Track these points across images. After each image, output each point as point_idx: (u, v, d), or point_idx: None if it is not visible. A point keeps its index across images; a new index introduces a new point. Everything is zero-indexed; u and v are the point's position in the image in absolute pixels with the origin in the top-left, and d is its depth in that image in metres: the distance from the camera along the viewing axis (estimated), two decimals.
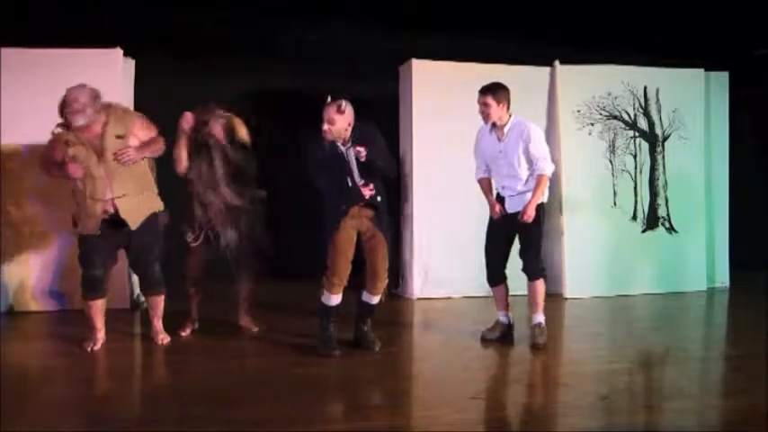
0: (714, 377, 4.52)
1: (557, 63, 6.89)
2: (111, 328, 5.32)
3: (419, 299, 6.72)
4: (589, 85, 6.95)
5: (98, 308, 4.85)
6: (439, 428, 3.46)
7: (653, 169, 7.15)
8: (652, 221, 7.14)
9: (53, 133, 4.73)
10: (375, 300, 4.83)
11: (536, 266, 5.03)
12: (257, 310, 5.53)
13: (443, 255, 6.74)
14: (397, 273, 6.84)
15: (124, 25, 6.56)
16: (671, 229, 7.17)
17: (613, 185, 7.02)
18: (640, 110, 7.12)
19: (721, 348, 5.31)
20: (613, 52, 7.00)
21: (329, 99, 4.62)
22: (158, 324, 5.06)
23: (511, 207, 4.98)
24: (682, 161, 7.16)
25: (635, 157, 7.10)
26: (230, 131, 5.12)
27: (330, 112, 4.55)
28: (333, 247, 4.63)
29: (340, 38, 7.21)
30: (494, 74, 6.70)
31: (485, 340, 5.09)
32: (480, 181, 5.20)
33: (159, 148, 4.95)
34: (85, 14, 6.55)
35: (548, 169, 4.92)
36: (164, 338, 5.01)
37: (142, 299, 6.23)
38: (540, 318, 5.05)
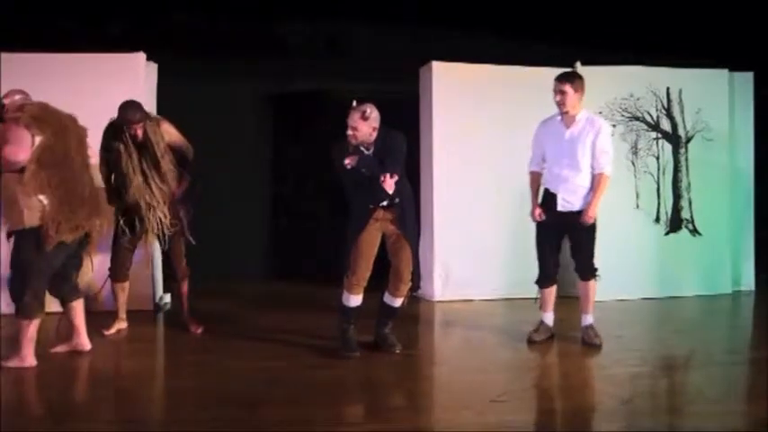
0: (738, 381, 4.45)
1: (578, 64, 6.82)
2: (133, 330, 5.39)
3: (439, 301, 6.70)
4: (611, 86, 6.88)
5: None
6: (459, 431, 3.44)
7: (676, 171, 7.08)
8: (675, 224, 7.07)
9: None
10: (397, 302, 4.82)
11: (590, 267, 5.05)
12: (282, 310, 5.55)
13: (464, 257, 6.72)
14: (418, 275, 6.83)
15: (145, 29, 6.64)
16: (695, 232, 7.09)
17: (636, 187, 6.95)
18: (663, 111, 7.05)
19: (745, 352, 5.24)
20: (635, 53, 6.95)
21: (354, 103, 4.61)
22: (18, 351, 4.36)
23: (563, 206, 4.97)
24: (705, 162, 7.07)
25: (658, 158, 7.03)
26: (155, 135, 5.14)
27: (354, 117, 4.54)
28: (355, 248, 4.64)
29: (361, 39, 7.23)
30: (514, 75, 6.75)
31: (531, 342, 5.08)
32: (532, 174, 5.21)
33: (2, 163, 4.28)
34: (107, 19, 6.64)
35: (608, 168, 4.94)
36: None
37: (165, 301, 6.30)
38: (591, 319, 5.07)
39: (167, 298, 6.30)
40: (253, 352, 4.88)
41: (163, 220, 5.16)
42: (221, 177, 7.47)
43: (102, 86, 5.90)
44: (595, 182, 4.93)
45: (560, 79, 4.98)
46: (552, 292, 5.17)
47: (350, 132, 4.54)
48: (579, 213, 4.94)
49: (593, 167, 4.95)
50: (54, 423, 3.55)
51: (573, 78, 4.98)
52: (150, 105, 6.28)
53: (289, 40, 7.25)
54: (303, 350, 4.88)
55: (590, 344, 5.00)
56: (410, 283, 4.79)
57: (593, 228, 5.00)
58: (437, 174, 6.73)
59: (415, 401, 4.05)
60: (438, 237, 6.74)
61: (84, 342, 4.69)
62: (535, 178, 5.19)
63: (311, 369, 4.44)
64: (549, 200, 5.05)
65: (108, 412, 3.78)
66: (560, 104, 4.97)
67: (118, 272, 5.32)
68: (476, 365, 4.62)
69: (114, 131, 5.11)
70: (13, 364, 4.35)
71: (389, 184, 4.49)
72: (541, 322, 5.17)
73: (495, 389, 4.04)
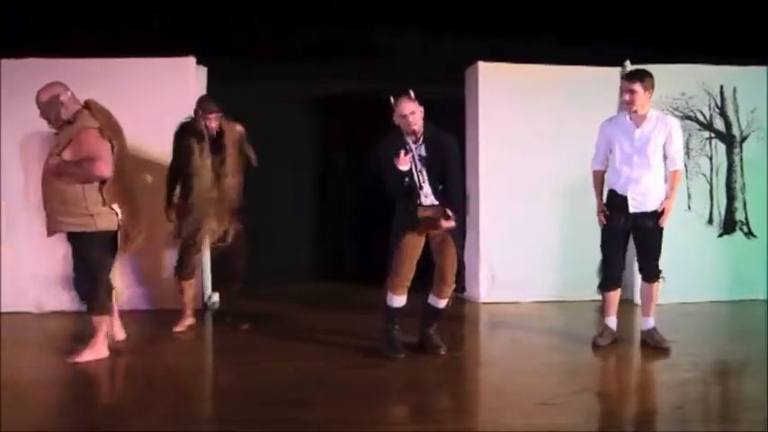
0: None
1: (627, 63, 6.71)
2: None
3: (485, 303, 6.65)
4: (661, 84, 6.64)
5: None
6: None
7: (730, 171, 6.89)
8: (729, 225, 6.89)
9: None
10: (442, 304, 4.80)
11: (656, 269, 4.98)
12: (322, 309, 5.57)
13: (511, 259, 6.66)
14: (463, 276, 6.80)
15: (193, 32, 6.74)
16: (749, 234, 6.90)
17: (687, 188, 6.78)
18: (716, 110, 6.88)
19: None
20: (687, 51, 6.79)
21: (392, 99, 4.61)
22: (92, 345, 4.60)
23: (635, 207, 4.88)
24: (761, 163, 6.87)
25: (711, 158, 6.86)
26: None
27: (407, 103, 4.55)
28: (398, 249, 4.63)
29: (406, 41, 7.23)
30: (562, 75, 6.66)
31: (597, 347, 4.99)
32: (595, 173, 5.12)
33: (82, 174, 4.33)
34: (157, 24, 6.77)
35: (681, 165, 4.91)
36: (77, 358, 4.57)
37: (213, 300, 6.38)
38: (653, 321, 4.99)
39: (215, 297, 6.38)
40: (297, 352, 4.91)
41: (226, 219, 5.26)
42: (268, 179, 7.54)
43: (153, 90, 6.02)
44: (670, 178, 4.88)
45: (630, 78, 4.83)
46: (616, 295, 5.08)
47: (410, 119, 4.53)
48: (650, 214, 4.86)
49: (666, 166, 4.87)
50: (103, 419, 3.63)
51: (643, 77, 4.81)
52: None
53: (335, 43, 7.29)
54: (347, 350, 4.89)
55: (658, 347, 4.89)
56: (454, 285, 4.76)
57: (661, 228, 4.92)
58: (483, 174, 6.69)
59: (460, 403, 4.02)
60: (484, 238, 6.69)
61: (118, 332, 4.91)
62: (599, 177, 5.09)
63: (356, 369, 4.46)
64: (617, 201, 4.94)
65: (154, 409, 3.83)
66: (629, 104, 4.82)
67: (184, 270, 5.41)
68: (523, 367, 4.57)
69: (187, 129, 5.22)
70: (88, 357, 4.54)
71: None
72: (606, 326, 5.07)
73: (544, 391, 3.99)
